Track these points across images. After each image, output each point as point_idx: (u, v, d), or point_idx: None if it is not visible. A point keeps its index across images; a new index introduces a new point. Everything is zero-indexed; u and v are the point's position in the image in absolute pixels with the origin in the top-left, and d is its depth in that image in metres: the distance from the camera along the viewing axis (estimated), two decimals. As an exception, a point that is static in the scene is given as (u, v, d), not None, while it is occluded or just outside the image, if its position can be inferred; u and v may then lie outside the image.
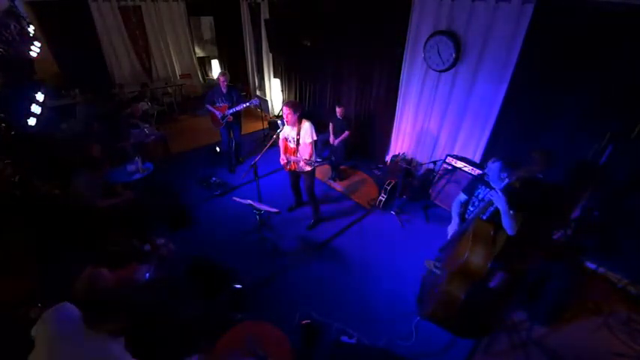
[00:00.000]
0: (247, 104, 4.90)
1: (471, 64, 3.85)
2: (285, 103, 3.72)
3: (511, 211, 2.25)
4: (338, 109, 4.79)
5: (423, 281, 3.16)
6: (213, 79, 9.15)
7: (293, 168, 3.73)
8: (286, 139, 3.62)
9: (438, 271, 2.79)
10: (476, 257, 2.41)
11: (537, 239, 3.54)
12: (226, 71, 5.23)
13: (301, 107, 3.48)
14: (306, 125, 3.44)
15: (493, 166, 2.37)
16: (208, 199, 4.71)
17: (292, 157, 3.61)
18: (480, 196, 2.58)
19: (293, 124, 3.45)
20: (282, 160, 3.69)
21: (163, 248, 3.20)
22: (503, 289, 3.08)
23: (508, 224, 2.27)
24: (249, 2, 6.91)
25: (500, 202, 2.26)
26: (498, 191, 2.27)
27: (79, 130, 5.08)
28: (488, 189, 2.47)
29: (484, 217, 2.49)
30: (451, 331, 2.78)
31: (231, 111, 4.89)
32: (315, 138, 3.50)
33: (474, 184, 2.70)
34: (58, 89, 6.61)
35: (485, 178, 2.54)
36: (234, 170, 5.43)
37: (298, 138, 3.48)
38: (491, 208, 2.40)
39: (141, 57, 7.93)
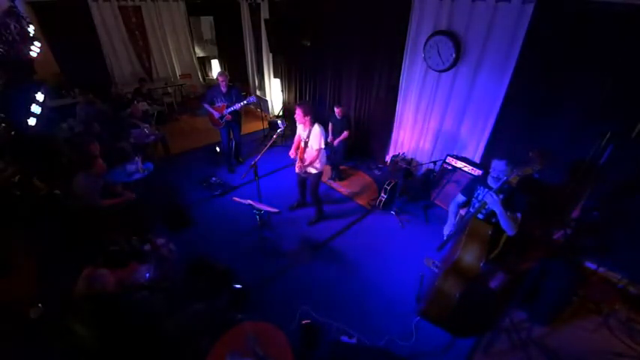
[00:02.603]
0: (244, 102, 4.90)
1: (471, 64, 3.85)
2: (299, 103, 3.73)
3: (507, 212, 2.22)
4: (337, 110, 4.78)
5: (422, 280, 3.17)
6: (213, 79, 9.16)
7: (299, 167, 3.77)
8: (300, 138, 3.68)
9: (436, 270, 2.79)
10: (468, 256, 2.40)
11: (537, 239, 3.54)
12: (225, 71, 5.23)
13: (312, 110, 3.46)
14: (317, 131, 3.47)
15: (499, 164, 2.30)
16: (208, 199, 4.71)
17: (298, 157, 3.67)
18: (480, 197, 2.55)
19: (304, 125, 3.52)
20: (292, 154, 3.76)
21: (163, 248, 3.20)
22: (503, 289, 3.08)
23: (506, 225, 2.24)
24: (249, 2, 6.91)
25: (494, 205, 2.22)
26: (493, 193, 2.24)
27: (79, 129, 5.09)
28: (487, 189, 2.44)
29: (481, 217, 2.49)
30: (446, 330, 2.77)
31: (228, 110, 4.88)
32: (322, 146, 3.52)
33: (473, 185, 2.66)
34: (58, 89, 6.62)
35: (488, 180, 2.49)
36: (234, 170, 5.43)
37: (307, 141, 3.52)
38: (488, 207, 2.38)
39: (141, 57, 7.93)
